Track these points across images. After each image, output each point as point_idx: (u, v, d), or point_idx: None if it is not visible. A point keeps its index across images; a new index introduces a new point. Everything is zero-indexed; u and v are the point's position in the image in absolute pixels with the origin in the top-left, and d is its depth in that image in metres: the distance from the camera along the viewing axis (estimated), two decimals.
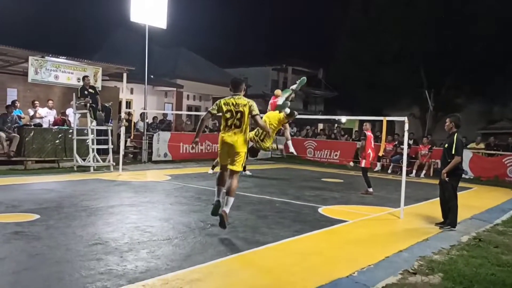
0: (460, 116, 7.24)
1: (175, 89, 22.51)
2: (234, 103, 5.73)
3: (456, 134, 6.90)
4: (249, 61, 31.90)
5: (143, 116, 16.22)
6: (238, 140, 5.72)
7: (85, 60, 13.24)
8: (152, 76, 19.93)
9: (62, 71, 12.53)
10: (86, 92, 11.93)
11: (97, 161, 12.26)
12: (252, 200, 8.54)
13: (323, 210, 7.91)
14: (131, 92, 20.29)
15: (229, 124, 5.76)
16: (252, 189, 10.08)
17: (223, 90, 25.34)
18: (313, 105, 34.99)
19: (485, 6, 21.55)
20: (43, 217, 6.25)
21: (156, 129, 16.99)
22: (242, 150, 5.76)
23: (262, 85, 31.16)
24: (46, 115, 13.41)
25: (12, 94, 14.25)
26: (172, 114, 21.61)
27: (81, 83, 12.46)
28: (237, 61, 31.89)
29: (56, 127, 12.94)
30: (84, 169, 12.03)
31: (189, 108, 24.55)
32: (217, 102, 5.79)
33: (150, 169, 13.62)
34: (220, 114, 5.83)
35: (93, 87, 12.19)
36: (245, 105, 5.73)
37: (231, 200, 5.72)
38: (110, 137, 12.62)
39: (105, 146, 12.63)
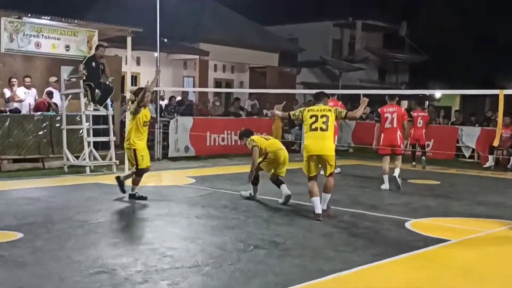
0: None
1: (197, 57, 22.74)
2: (319, 109, 8.07)
3: None
4: (300, 15, 31.68)
5: (155, 95, 16.46)
6: (325, 145, 7.93)
7: (76, 21, 13.53)
8: (166, 40, 20.17)
9: (46, 37, 12.84)
10: (93, 65, 12.31)
11: (95, 158, 12.58)
12: (309, 210, 8.50)
13: (413, 224, 7.84)
14: (138, 63, 20.66)
15: (313, 127, 7.94)
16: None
17: (264, 57, 25.45)
18: (393, 75, 34.41)
19: None
20: (28, 236, 6.47)
21: (173, 114, 17.23)
22: (332, 153, 8.02)
23: (320, 48, 30.91)
24: (24, 97, 13.86)
25: None
26: (194, 92, 21.85)
27: (72, 50, 12.81)
28: (283, 15, 31.75)
29: (39, 113, 13.36)
30: (77, 170, 12.37)
31: (218, 83, 24.73)
32: (301, 109, 8.30)
33: (166, 169, 13.86)
34: (298, 120, 8.50)
35: (102, 63, 12.54)
36: (329, 110, 8.04)
37: (328, 196, 8.19)
38: (111, 126, 12.92)
39: (105, 139, 12.93)
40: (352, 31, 33.65)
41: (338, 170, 13.12)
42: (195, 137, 15.96)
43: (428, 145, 17.58)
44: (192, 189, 10.61)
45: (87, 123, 12.57)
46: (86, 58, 12.47)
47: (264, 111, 19.96)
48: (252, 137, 9.59)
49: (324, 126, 7.94)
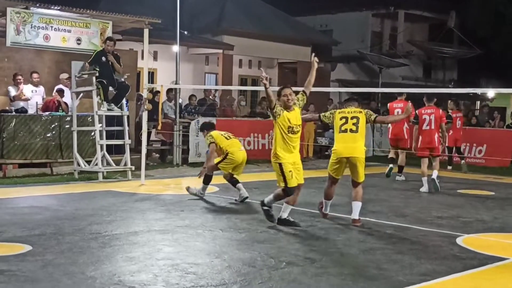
0: None
1: (221, 51, 22.83)
2: (350, 111, 8.62)
3: None
4: (335, 4, 31.66)
5: (174, 94, 16.58)
6: (356, 147, 8.41)
7: (88, 11, 13.70)
8: (186, 33, 20.31)
9: (55, 29, 13.03)
10: (103, 60, 12.43)
11: (108, 164, 12.69)
12: (347, 223, 8.54)
13: (465, 240, 7.78)
14: (155, 58, 20.80)
15: (342, 129, 8.45)
16: (347, 206, 10.01)
17: (295, 51, 25.42)
18: (441, 71, 34.17)
19: None
20: (37, 249, 6.57)
21: (193, 114, 17.31)
22: (363, 156, 8.56)
23: (358, 41, 30.84)
24: (31, 95, 14.04)
25: None
26: (217, 90, 21.93)
27: (83, 44, 12.97)
28: (316, 4, 31.73)
29: (47, 113, 13.53)
30: (89, 176, 12.50)
31: (243, 81, 24.78)
32: (332, 111, 8.98)
33: (186, 175, 13.91)
34: (329, 122, 8.94)
35: (116, 56, 12.67)
36: (360, 112, 8.56)
37: (359, 205, 8.55)
38: (126, 128, 13.03)
39: (119, 142, 13.04)
40: (393, 22, 33.50)
41: (402, 177, 13.98)
42: None
43: (481, 150, 17.49)
44: (215, 198, 10.64)
45: (100, 125, 12.66)
46: (95, 53, 12.59)
47: None
48: (212, 132, 10.40)
49: (354, 128, 8.45)
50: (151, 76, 20.38)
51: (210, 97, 19.22)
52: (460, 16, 31.41)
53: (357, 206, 8.46)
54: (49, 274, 5.69)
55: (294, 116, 8.00)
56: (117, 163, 12.82)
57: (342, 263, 6.43)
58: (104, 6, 20.11)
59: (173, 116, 16.15)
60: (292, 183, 7.93)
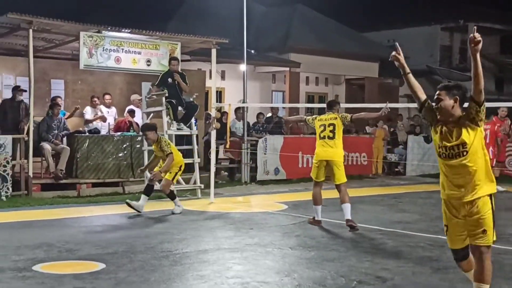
0: None
1: (287, 69, 22.90)
2: (327, 118, 9.45)
3: None
4: (403, 19, 31.39)
5: (242, 113, 16.71)
6: (334, 152, 9.33)
7: (157, 33, 14.00)
8: (252, 51, 20.48)
9: (126, 51, 13.37)
10: (170, 81, 12.67)
11: (178, 182, 12.84)
12: (419, 241, 8.38)
13: None
14: (223, 77, 21.05)
15: (322, 136, 9.36)
16: (418, 224, 9.89)
17: (362, 67, 25.27)
18: None
19: None
20: (110, 267, 6.72)
21: (261, 132, 17.39)
22: (341, 159, 9.46)
23: (426, 55, 30.44)
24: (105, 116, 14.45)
25: (57, 88, 15.49)
26: (284, 108, 21.98)
27: (153, 65, 13.28)
28: (383, 19, 31.52)
29: (118, 133, 13.88)
30: (159, 194, 12.65)
31: (310, 98, 24.77)
32: (314, 117, 9.85)
33: (254, 193, 13.97)
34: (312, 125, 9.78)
35: (182, 74, 12.92)
36: (335, 118, 9.36)
37: (348, 206, 9.26)
38: (195, 147, 13.21)
39: (188, 160, 13.20)
40: (463, 35, 32.90)
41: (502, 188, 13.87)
42: (286, 158, 16.00)
43: None
44: (284, 216, 10.65)
45: None
46: (161, 74, 12.85)
47: (367, 128, 19.68)
48: (167, 139, 11.11)
49: (331, 135, 9.35)
50: (219, 95, 20.65)
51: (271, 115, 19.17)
52: None
53: (346, 207, 9.26)
54: None
55: (450, 131, 5.05)
56: (187, 181, 12.99)
57: (414, 282, 6.33)
58: (173, 25, 20.54)
59: (241, 134, 16.26)
60: (449, 242, 5.40)
